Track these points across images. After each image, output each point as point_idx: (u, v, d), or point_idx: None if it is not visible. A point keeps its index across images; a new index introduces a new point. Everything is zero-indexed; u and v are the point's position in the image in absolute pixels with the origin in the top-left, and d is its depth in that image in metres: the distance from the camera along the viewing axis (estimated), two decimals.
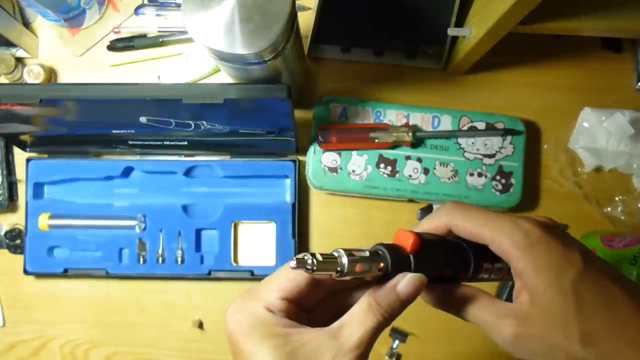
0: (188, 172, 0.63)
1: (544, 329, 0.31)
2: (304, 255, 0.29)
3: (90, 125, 0.58)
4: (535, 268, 0.32)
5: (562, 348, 0.31)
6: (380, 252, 0.32)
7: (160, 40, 0.65)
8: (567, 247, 0.32)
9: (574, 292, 0.31)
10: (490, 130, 0.61)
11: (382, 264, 0.32)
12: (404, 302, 0.32)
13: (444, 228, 0.35)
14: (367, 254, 0.31)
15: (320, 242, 0.64)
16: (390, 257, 0.32)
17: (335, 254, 0.31)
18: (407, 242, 0.33)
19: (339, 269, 0.30)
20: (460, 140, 0.61)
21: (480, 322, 0.34)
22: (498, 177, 0.61)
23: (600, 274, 0.32)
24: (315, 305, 0.35)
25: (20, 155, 0.65)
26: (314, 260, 0.29)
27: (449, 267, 0.35)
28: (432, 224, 0.36)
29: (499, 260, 0.34)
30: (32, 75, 0.64)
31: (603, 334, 0.31)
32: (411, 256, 0.32)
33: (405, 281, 0.32)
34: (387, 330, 0.63)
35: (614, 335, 0.31)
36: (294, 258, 0.29)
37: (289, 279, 0.33)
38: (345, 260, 0.30)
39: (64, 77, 0.67)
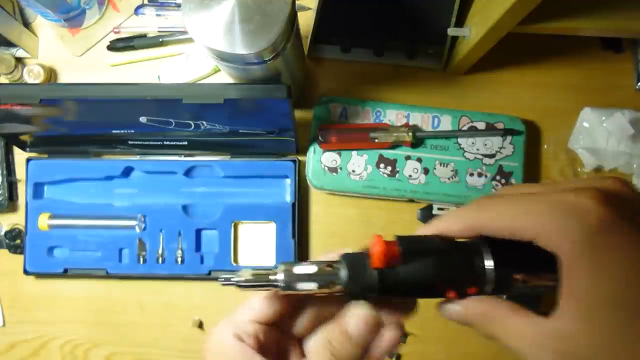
0: (188, 172, 0.63)
1: None
2: (235, 274, 0.28)
3: (90, 125, 0.58)
4: (593, 268, 0.22)
5: None
6: (333, 267, 0.28)
7: (160, 40, 0.65)
8: None
9: None
10: (490, 130, 0.61)
11: (332, 282, 0.27)
12: (359, 345, 0.27)
13: (470, 232, 0.27)
14: (315, 269, 0.28)
15: (320, 242, 0.64)
16: (348, 274, 0.27)
17: (274, 270, 0.28)
18: (374, 253, 0.27)
19: (275, 284, 0.28)
20: (460, 140, 0.61)
21: (503, 342, 0.25)
22: (498, 177, 0.61)
23: None
24: (308, 328, 0.32)
25: (20, 155, 0.65)
26: (242, 278, 0.28)
27: (444, 284, 0.27)
28: (453, 226, 0.27)
29: (547, 268, 0.25)
30: (32, 75, 0.64)
31: None
32: (376, 272, 0.27)
33: (354, 320, 0.27)
34: None
35: None
36: (221, 276, 0.28)
37: (263, 299, 0.30)
38: (281, 276, 0.28)
39: (64, 77, 0.67)
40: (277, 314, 0.30)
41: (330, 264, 0.28)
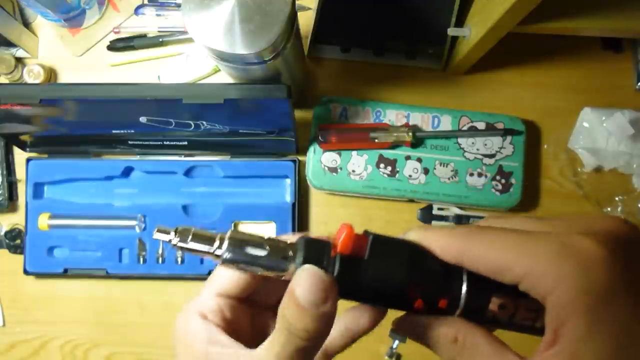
0: (188, 172, 0.63)
1: None
2: (173, 229, 0.24)
3: (90, 125, 0.58)
4: (589, 324, 0.19)
5: None
6: (288, 246, 0.24)
7: (160, 40, 0.65)
8: None
9: None
10: (490, 130, 0.61)
11: (285, 257, 0.24)
12: (313, 315, 0.22)
13: (449, 259, 0.24)
14: (266, 245, 0.24)
15: None
16: (304, 257, 0.23)
17: (222, 234, 0.24)
18: (339, 237, 0.24)
19: (212, 251, 0.24)
20: (460, 140, 0.61)
21: None
22: (498, 177, 0.61)
23: None
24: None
25: (20, 155, 0.65)
26: (175, 237, 0.23)
27: (414, 287, 0.24)
28: (433, 244, 0.24)
29: (530, 307, 0.23)
30: (32, 75, 0.64)
31: None
32: (338, 256, 0.24)
33: (299, 283, 0.22)
34: (387, 330, 0.63)
35: None
36: (158, 226, 0.24)
37: (227, 270, 0.27)
38: (224, 247, 0.23)
39: (64, 77, 0.67)
40: (247, 285, 0.27)
41: (285, 243, 0.25)
